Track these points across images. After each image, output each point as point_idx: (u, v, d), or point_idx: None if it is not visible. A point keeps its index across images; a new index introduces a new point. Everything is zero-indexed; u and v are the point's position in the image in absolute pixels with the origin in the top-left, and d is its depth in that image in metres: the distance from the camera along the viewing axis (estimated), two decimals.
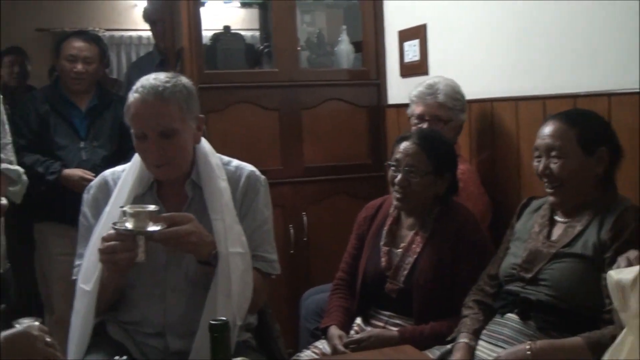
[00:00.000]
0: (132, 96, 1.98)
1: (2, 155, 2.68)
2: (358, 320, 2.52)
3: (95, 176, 2.26)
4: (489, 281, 2.28)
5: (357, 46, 3.91)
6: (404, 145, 2.46)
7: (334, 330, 2.45)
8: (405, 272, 2.42)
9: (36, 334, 1.48)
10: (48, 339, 1.50)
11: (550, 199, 2.15)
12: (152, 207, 1.85)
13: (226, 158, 2.17)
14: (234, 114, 3.56)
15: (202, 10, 3.58)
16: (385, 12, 3.81)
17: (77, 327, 1.99)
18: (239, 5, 4.83)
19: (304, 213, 3.63)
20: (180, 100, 1.98)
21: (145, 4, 4.84)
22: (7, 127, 2.76)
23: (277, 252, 2.17)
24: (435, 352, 2.23)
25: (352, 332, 2.48)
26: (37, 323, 1.52)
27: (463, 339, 2.15)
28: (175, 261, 2.02)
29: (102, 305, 2.02)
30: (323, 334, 2.52)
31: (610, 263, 1.87)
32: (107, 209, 2.02)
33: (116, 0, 7.30)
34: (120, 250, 1.81)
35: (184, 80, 2.04)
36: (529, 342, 1.97)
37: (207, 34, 3.71)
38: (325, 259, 3.49)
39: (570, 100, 2.54)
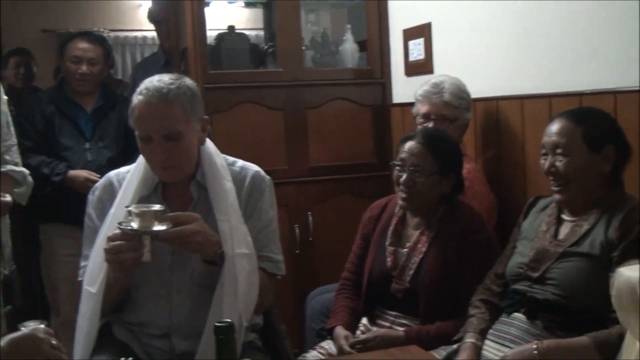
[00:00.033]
0: (136, 98, 1.97)
1: (8, 157, 2.68)
2: (364, 321, 2.51)
3: (100, 177, 2.26)
4: (495, 280, 2.28)
5: (362, 45, 3.90)
6: (409, 144, 2.45)
7: (340, 331, 2.44)
8: (411, 272, 2.41)
9: (42, 337, 1.48)
10: (54, 342, 1.49)
11: (556, 196, 2.15)
12: (157, 207, 1.85)
13: (231, 158, 2.17)
14: (238, 114, 3.55)
15: (206, 10, 3.58)
16: (389, 11, 3.80)
17: (82, 329, 1.99)
18: (243, 5, 4.83)
19: (309, 213, 3.63)
20: (184, 102, 1.97)
21: (150, 4, 4.84)
22: (12, 128, 2.76)
23: (282, 253, 2.16)
24: (442, 352, 2.23)
25: (358, 332, 2.48)
26: (42, 326, 1.52)
27: (469, 339, 2.14)
28: (181, 262, 2.02)
29: (108, 306, 2.02)
30: (329, 334, 2.51)
31: (618, 262, 1.86)
32: (112, 210, 2.02)
33: (121, 1, 7.31)
34: (126, 250, 1.81)
35: (188, 81, 2.04)
36: (536, 341, 1.96)
37: (211, 34, 3.71)
38: (330, 259, 3.49)
39: (575, 98, 2.53)
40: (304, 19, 3.86)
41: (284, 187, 3.42)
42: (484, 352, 2.11)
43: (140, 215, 1.81)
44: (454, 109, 2.87)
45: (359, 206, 3.06)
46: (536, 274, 2.09)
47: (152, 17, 4.25)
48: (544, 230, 2.17)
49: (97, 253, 1.98)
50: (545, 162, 2.14)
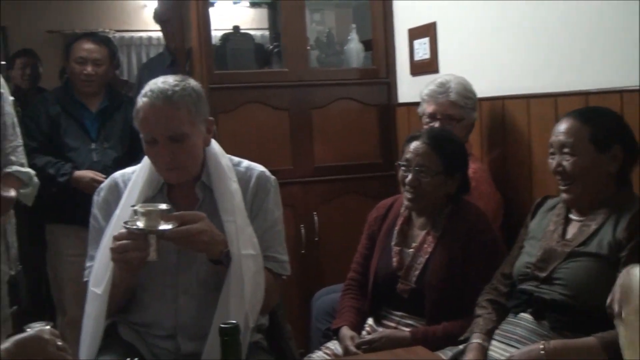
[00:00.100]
0: (141, 100, 1.97)
1: (13, 158, 2.69)
2: (370, 321, 2.51)
3: (106, 178, 2.26)
4: (502, 280, 2.27)
5: (367, 45, 3.89)
6: (414, 145, 2.45)
7: (346, 331, 2.44)
8: (417, 272, 2.41)
9: (47, 338, 1.48)
10: (59, 343, 1.50)
11: (563, 196, 2.14)
12: (163, 206, 1.85)
13: (236, 159, 2.17)
14: (243, 114, 3.55)
15: (211, 10, 3.58)
16: (394, 10, 3.80)
17: (88, 330, 2.00)
18: (248, 5, 4.83)
19: (315, 213, 3.62)
20: (189, 103, 1.97)
21: (154, 4, 4.85)
22: (18, 129, 2.77)
23: (288, 253, 2.16)
24: (448, 352, 2.22)
25: (363, 332, 2.48)
26: (48, 327, 1.52)
27: (476, 340, 2.14)
28: (186, 263, 2.02)
29: (114, 306, 2.02)
30: (335, 334, 2.51)
31: (626, 262, 1.85)
32: (117, 211, 2.02)
33: (126, 1, 7.32)
34: (131, 249, 1.81)
35: (193, 83, 2.03)
36: (543, 342, 1.96)
37: (216, 34, 3.71)
38: (336, 259, 3.48)
39: (582, 98, 2.52)
40: (309, 18, 3.86)
41: (290, 187, 3.42)
42: (491, 353, 2.10)
43: (146, 215, 1.81)
44: (460, 108, 2.87)
45: (364, 206, 3.06)
46: (543, 274, 2.09)
47: (158, 17, 4.25)
48: (551, 230, 2.16)
49: (102, 253, 1.98)
50: (552, 162, 2.14)
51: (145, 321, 2.05)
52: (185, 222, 1.84)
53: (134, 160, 2.28)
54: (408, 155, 2.45)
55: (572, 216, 2.16)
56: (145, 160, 2.07)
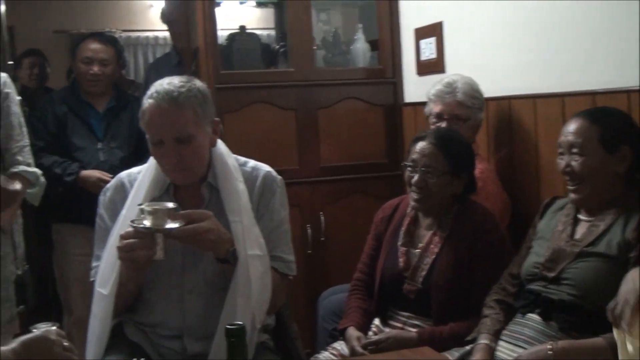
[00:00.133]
0: (147, 102, 1.97)
1: (20, 158, 2.69)
2: (376, 321, 2.50)
3: (112, 177, 2.26)
4: (510, 280, 2.27)
5: (373, 44, 3.89)
6: (420, 145, 2.44)
7: (352, 332, 2.44)
8: (424, 273, 2.41)
9: (53, 339, 1.48)
10: (65, 343, 1.50)
11: (571, 196, 2.14)
12: (170, 205, 1.85)
13: (242, 159, 2.17)
14: (250, 114, 3.55)
15: (217, 10, 3.58)
16: (401, 10, 3.79)
17: (94, 330, 2.00)
18: (255, 5, 4.83)
19: (321, 213, 3.62)
20: (195, 105, 1.97)
21: (161, 4, 4.85)
22: (25, 129, 2.77)
23: (294, 253, 2.16)
24: (454, 353, 2.22)
25: (370, 333, 2.47)
26: (54, 328, 1.52)
27: (483, 340, 2.13)
28: (192, 263, 2.02)
29: (120, 306, 2.03)
30: (341, 335, 2.51)
31: (635, 263, 1.85)
32: (124, 212, 2.02)
33: (132, 1, 7.33)
34: (138, 248, 1.81)
35: (199, 84, 2.03)
36: (551, 342, 1.95)
37: (222, 34, 3.72)
38: (342, 259, 3.48)
39: (589, 98, 2.51)
40: (315, 18, 3.86)
41: (296, 187, 3.41)
42: (498, 353, 2.10)
43: (153, 213, 1.81)
44: (467, 108, 2.86)
45: (370, 206, 3.06)
46: (552, 274, 2.08)
47: (165, 17, 4.26)
48: (560, 230, 2.16)
49: (109, 254, 1.98)
50: (561, 162, 2.14)
51: (152, 321, 2.05)
52: (192, 221, 1.84)
53: (141, 159, 2.28)
54: (414, 156, 2.45)
55: (580, 216, 2.15)
56: (152, 160, 2.07)
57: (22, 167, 2.66)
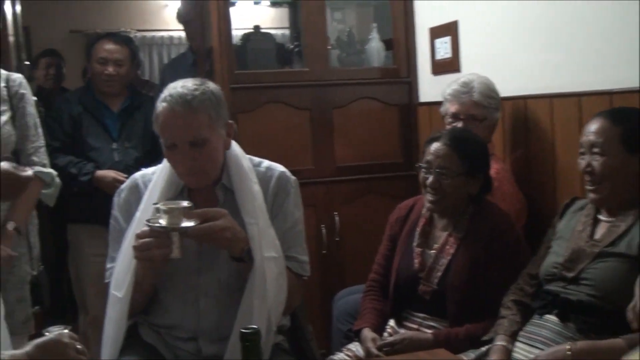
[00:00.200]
0: (161, 105, 1.96)
1: (36, 158, 2.70)
2: (391, 322, 2.49)
3: (127, 177, 2.26)
4: (529, 281, 2.26)
5: (388, 44, 3.87)
6: (435, 146, 2.43)
7: (367, 333, 2.42)
8: (439, 274, 2.39)
9: (67, 341, 1.48)
10: (79, 346, 1.50)
11: (590, 196, 2.13)
12: (185, 204, 1.85)
13: (256, 159, 2.16)
14: (264, 114, 3.55)
15: (232, 10, 3.58)
16: (415, 9, 3.77)
17: (109, 333, 2.00)
18: (269, 4, 4.82)
19: (336, 213, 3.61)
20: (209, 108, 1.96)
21: (176, 4, 4.86)
22: (40, 130, 2.78)
23: (308, 254, 2.15)
24: (470, 354, 2.20)
25: (385, 334, 2.46)
26: (67, 330, 1.52)
27: (500, 342, 2.12)
28: (207, 265, 2.02)
29: (136, 307, 2.03)
30: (356, 336, 2.50)
31: None
32: (138, 213, 2.02)
33: (147, 1, 7.35)
34: (154, 247, 1.81)
35: (212, 86, 2.02)
36: (570, 342, 1.94)
37: (237, 33, 3.72)
38: (357, 259, 3.47)
39: (606, 97, 2.49)
40: (329, 17, 3.85)
41: (310, 188, 3.41)
42: (515, 354, 2.09)
43: (169, 212, 1.81)
44: (484, 108, 2.84)
45: (385, 206, 3.04)
46: (571, 274, 2.07)
47: (182, 17, 4.26)
48: (579, 230, 2.15)
49: (124, 255, 1.98)
50: (582, 162, 2.13)
51: (167, 323, 2.05)
52: (207, 219, 1.84)
53: (156, 160, 2.28)
54: (429, 157, 2.43)
55: (601, 217, 2.14)
56: (166, 161, 2.07)
57: (37, 168, 2.66)
